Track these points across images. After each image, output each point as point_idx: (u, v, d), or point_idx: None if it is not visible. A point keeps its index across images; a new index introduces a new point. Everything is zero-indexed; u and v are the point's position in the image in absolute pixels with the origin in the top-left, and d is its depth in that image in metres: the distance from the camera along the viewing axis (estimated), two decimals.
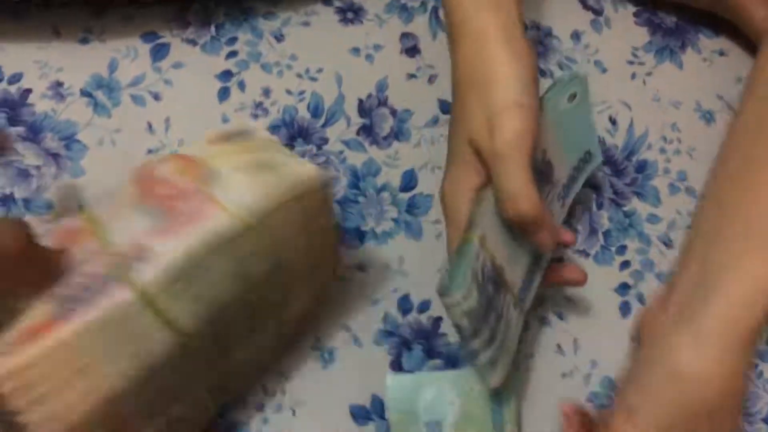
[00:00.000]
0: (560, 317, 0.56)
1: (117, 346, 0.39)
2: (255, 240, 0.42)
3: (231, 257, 0.41)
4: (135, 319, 0.39)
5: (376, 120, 0.60)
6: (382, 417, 0.52)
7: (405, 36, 0.63)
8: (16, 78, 0.57)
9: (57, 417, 0.40)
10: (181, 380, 0.44)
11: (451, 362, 0.54)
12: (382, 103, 0.60)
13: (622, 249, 0.58)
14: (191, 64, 0.59)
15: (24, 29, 0.59)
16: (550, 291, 0.56)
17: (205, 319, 0.42)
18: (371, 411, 0.52)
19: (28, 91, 0.57)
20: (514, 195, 0.44)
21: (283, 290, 0.47)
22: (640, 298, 0.57)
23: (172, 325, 0.40)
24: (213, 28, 0.61)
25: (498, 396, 0.51)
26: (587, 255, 0.58)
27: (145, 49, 0.59)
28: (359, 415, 0.52)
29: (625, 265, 0.58)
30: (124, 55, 0.59)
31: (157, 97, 0.58)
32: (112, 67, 0.59)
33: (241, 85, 0.59)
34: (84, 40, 0.59)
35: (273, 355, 0.52)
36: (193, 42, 0.60)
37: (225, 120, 0.58)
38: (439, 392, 0.52)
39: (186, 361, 0.42)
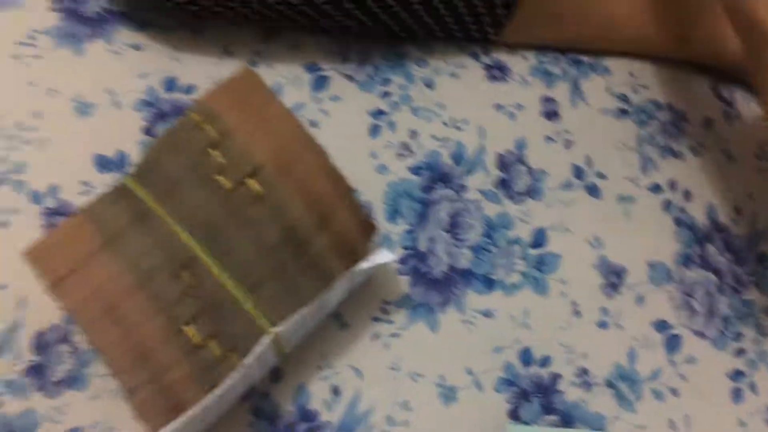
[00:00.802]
0: (674, 393, 0.58)
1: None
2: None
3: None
4: None
5: (513, 175, 0.63)
6: None
7: (546, 100, 0.66)
8: (190, 89, 0.61)
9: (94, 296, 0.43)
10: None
11: (567, 420, 0.56)
12: (520, 160, 0.63)
13: (738, 336, 0.60)
14: (348, 99, 0.63)
15: (200, 45, 0.62)
16: (666, 366, 0.58)
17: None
18: None
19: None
20: None
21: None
22: (753, 388, 0.58)
23: None
24: (370, 68, 0.64)
25: None
26: (704, 336, 0.60)
27: (306, 78, 0.63)
28: None
29: (741, 352, 0.60)
30: (288, 81, 0.62)
31: (314, 124, 0.61)
32: (277, 90, 0.62)
33: (392, 125, 0.62)
34: (252, 63, 0.62)
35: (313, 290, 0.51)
36: (351, 78, 0.64)
37: (373, 155, 0.61)
38: None
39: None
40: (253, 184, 0.48)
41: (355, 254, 0.50)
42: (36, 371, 0.52)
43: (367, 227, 0.50)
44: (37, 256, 0.45)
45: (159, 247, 0.46)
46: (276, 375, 0.54)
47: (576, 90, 0.67)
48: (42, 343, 0.53)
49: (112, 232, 0.46)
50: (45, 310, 0.53)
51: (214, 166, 0.48)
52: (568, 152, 0.64)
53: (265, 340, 0.47)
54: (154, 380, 0.44)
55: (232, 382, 0.46)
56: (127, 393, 0.44)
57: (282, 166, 0.48)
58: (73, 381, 0.52)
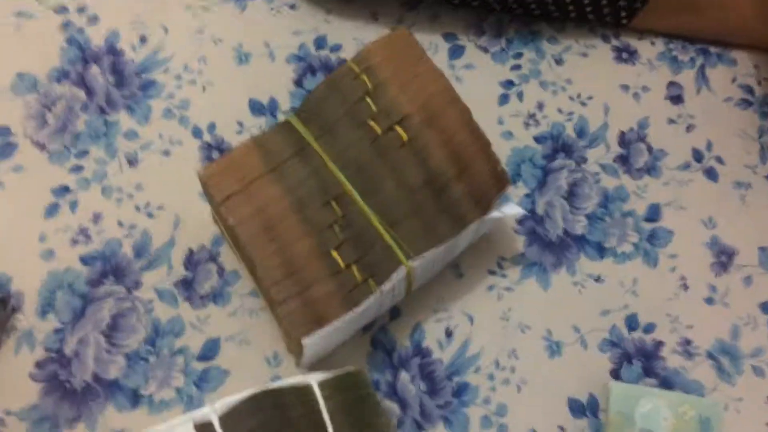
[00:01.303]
0: None
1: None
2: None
3: None
4: None
5: (634, 152, 0.65)
6: (595, 415, 0.57)
7: (672, 84, 0.68)
8: (336, 48, 0.66)
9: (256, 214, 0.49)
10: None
11: (666, 385, 0.58)
12: (641, 139, 0.66)
13: None
14: (481, 67, 0.67)
15: (349, 10, 0.68)
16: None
17: None
18: (587, 407, 0.57)
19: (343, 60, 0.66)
20: None
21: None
22: None
23: None
24: (504, 41, 0.68)
25: (707, 425, 0.55)
26: None
27: (444, 47, 0.67)
28: (576, 408, 0.57)
29: None
30: (426, 47, 0.66)
31: None
32: None
33: (520, 96, 0.66)
34: (395, 29, 0.67)
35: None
36: (485, 49, 0.68)
37: (501, 122, 0.65)
38: (655, 407, 0.56)
39: None
40: (401, 131, 0.52)
41: (488, 204, 0.54)
42: (185, 284, 0.58)
43: (502, 180, 0.54)
44: (209, 175, 0.51)
45: (314, 178, 0.52)
46: (395, 313, 0.59)
47: (702, 77, 0.69)
48: (192, 261, 0.59)
49: (276, 161, 0.52)
50: (197, 232, 0.59)
51: (367, 112, 0.53)
52: (689, 135, 0.66)
53: (402, 272, 0.51)
54: (302, 294, 0.50)
55: (368, 305, 0.51)
56: (277, 304, 0.49)
57: (428, 118, 0.53)
58: (216, 296, 0.58)
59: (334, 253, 0.51)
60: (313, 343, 0.49)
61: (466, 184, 0.53)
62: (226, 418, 0.48)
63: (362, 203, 0.52)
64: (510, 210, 0.55)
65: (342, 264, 0.51)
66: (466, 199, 0.53)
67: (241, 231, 0.50)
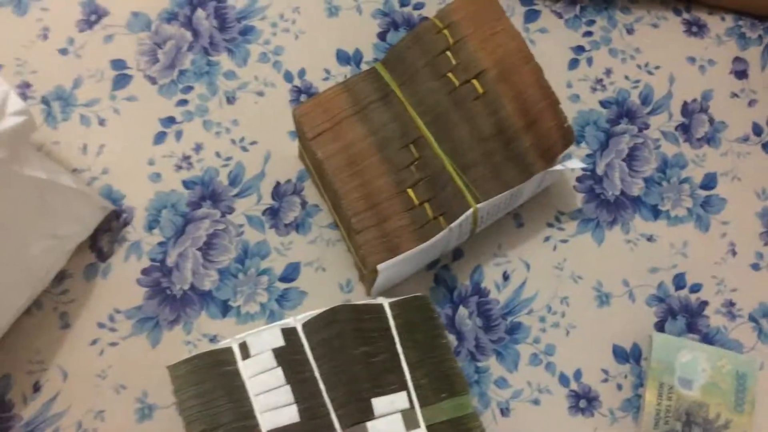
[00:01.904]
0: None
1: None
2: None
3: None
4: None
5: (695, 122, 0.68)
6: (637, 362, 0.62)
7: (737, 60, 0.71)
8: (419, 6, 0.71)
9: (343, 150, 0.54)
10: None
11: (707, 341, 0.62)
12: (704, 110, 0.69)
13: None
14: (554, 32, 0.70)
15: None
16: None
17: None
18: (630, 355, 0.62)
19: (425, 17, 0.71)
20: None
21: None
22: None
23: None
24: (578, 8, 0.71)
25: (743, 379, 0.59)
26: None
27: (521, 10, 0.71)
28: (620, 354, 0.62)
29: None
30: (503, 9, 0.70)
31: None
32: None
33: (589, 61, 0.70)
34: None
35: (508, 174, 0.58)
36: (559, 15, 0.71)
37: (569, 85, 0.69)
38: (695, 358, 0.60)
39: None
40: (477, 84, 0.57)
41: (553, 156, 0.58)
42: (271, 213, 0.64)
43: (567, 135, 0.58)
44: (303, 113, 0.57)
45: (396, 122, 0.57)
46: (458, 254, 0.64)
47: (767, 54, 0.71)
48: (279, 192, 0.65)
49: (362, 104, 0.57)
50: (284, 167, 0.65)
51: (447, 65, 0.58)
52: (751, 110, 0.69)
53: (469, 212, 0.56)
54: (379, 225, 0.55)
55: (437, 240, 0.56)
56: (355, 232, 0.55)
57: (502, 73, 0.57)
58: (298, 226, 0.64)
59: (410, 191, 0.56)
60: (386, 269, 0.55)
61: (534, 137, 0.58)
62: (308, 326, 0.54)
63: (437, 148, 0.57)
64: (572, 164, 0.59)
65: (416, 201, 0.56)
66: (532, 150, 0.57)
67: (329, 165, 0.56)
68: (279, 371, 0.52)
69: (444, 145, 0.57)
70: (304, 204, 0.65)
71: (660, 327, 0.63)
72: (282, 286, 0.62)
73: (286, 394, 0.51)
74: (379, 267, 0.55)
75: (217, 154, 0.65)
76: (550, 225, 0.66)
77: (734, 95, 0.70)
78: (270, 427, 0.50)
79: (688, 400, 0.59)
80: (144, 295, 0.61)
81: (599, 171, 0.67)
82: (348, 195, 0.56)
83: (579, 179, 0.67)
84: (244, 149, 0.65)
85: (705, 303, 0.64)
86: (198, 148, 0.65)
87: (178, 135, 0.65)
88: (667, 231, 0.66)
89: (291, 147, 0.66)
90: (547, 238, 0.65)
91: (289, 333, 0.54)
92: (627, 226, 0.66)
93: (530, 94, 0.58)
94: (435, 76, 0.58)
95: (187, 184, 0.64)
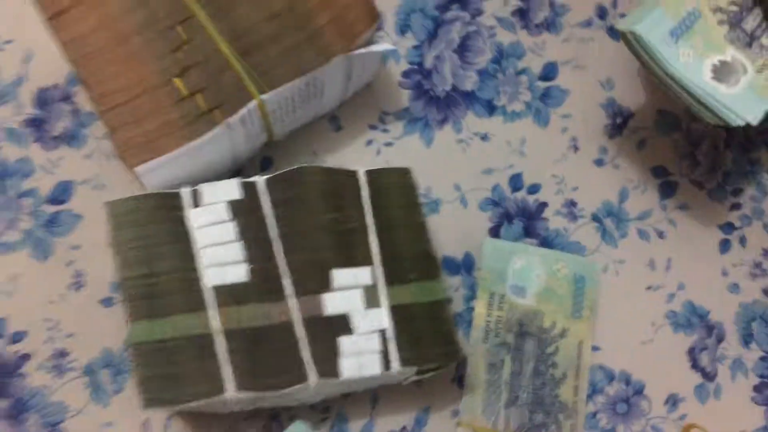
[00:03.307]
0: (660, 235, 0.57)
1: None
2: None
3: None
4: None
5: (533, 6, 0.61)
6: (469, 272, 0.55)
7: None
8: None
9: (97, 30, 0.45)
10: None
11: (546, 245, 0.56)
12: None
13: (737, 191, 0.59)
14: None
15: None
16: (657, 210, 0.58)
17: None
18: (461, 265, 0.55)
19: None
20: None
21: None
22: (742, 241, 0.58)
23: None
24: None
25: (581, 283, 0.53)
26: (702, 187, 0.59)
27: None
28: (450, 266, 0.55)
29: (736, 207, 0.58)
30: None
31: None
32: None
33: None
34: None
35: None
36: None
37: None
38: (528, 264, 0.54)
39: None
40: None
41: (355, 36, 0.50)
42: (36, 124, 0.54)
43: (371, 12, 0.50)
44: None
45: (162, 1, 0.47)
46: (266, 164, 0.55)
47: None
48: (44, 99, 0.54)
49: None
50: (49, 68, 0.54)
51: None
52: None
53: (252, 104, 0.47)
54: (141, 120, 0.45)
55: (214, 138, 0.47)
56: (112, 131, 0.45)
57: None
58: (70, 138, 0.54)
59: (177, 81, 0.46)
60: (148, 173, 0.45)
61: (332, 13, 0.48)
62: (271, 183, 0.48)
63: (211, 27, 0.47)
64: (378, 47, 0.51)
65: (185, 91, 0.46)
66: (330, 29, 0.48)
67: (72, 51, 0.45)
68: (231, 225, 0.46)
69: (221, 25, 0.47)
70: (76, 111, 0.54)
71: (495, 233, 0.56)
72: (50, 209, 0.52)
73: (236, 250, 0.46)
74: (137, 170, 0.45)
75: None
76: (373, 127, 0.57)
77: None
78: (214, 282, 0.45)
79: (521, 309, 0.52)
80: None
81: (428, 64, 0.59)
82: (99, 86, 0.45)
83: (405, 74, 0.58)
84: None
85: (544, 204, 0.57)
86: None
87: None
88: (503, 128, 0.58)
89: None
90: (369, 142, 0.57)
91: (248, 187, 0.47)
92: (459, 124, 0.58)
93: None
94: None
95: None
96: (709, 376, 0.55)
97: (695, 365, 0.55)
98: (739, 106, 0.48)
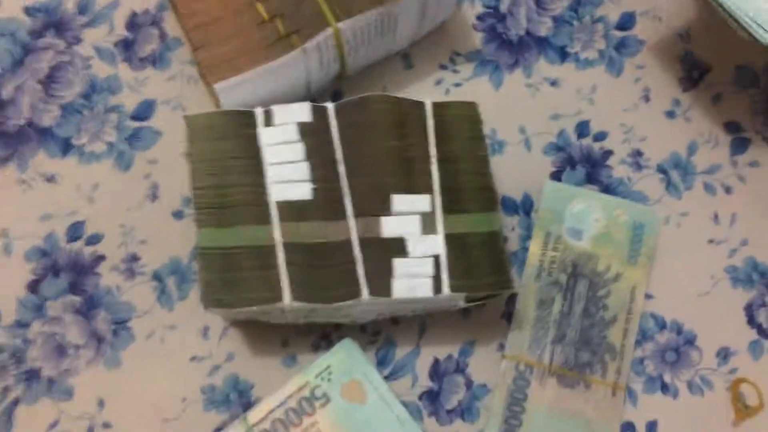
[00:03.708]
0: (727, 191, 0.56)
1: None
2: None
3: None
4: None
5: None
6: (527, 214, 0.55)
7: None
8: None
9: None
10: None
11: (608, 192, 0.56)
12: None
13: None
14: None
15: None
16: (731, 161, 0.57)
17: None
18: (519, 206, 0.55)
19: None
20: None
21: None
22: None
23: None
24: None
25: (639, 230, 0.53)
26: None
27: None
28: (509, 205, 0.55)
29: None
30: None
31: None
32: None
33: None
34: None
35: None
36: None
37: None
38: (588, 207, 0.54)
39: None
40: None
41: None
42: (125, 45, 0.57)
43: None
44: None
45: None
46: (337, 96, 0.57)
47: None
48: (134, 23, 0.58)
49: None
50: None
51: None
52: None
53: (328, 31, 0.49)
54: (224, 41, 0.48)
55: (288, 60, 0.49)
56: (196, 49, 0.48)
57: None
58: (156, 60, 0.57)
59: (259, 5, 0.49)
60: (226, 90, 0.48)
61: None
62: (340, 108, 0.50)
63: None
64: None
65: (266, 16, 0.49)
66: None
67: None
68: (300, 146, 0.49)
69: None
70: (163, 36, 0.57)
71: (557, 177, 0.56)
72: (134, 124, 0.56)
73: (302, 170, 0.49)
74: (216, 86, 0.48)
75: None
76: (443, 67, 0.58)
77: None
78: (279, 198, 0.48)
79: (576, 251, 0.53)
80: None
81: (503, 8, 0.59)
82: (187, 6, 0.48)
83: (480, 17, 0.59)
84: None
85: (609, 152, 0.57)
86: None
87: None
88: (575, 75, 0.58)
89: None
90: (439, 81, 0.58)
91: (318, 110, 0.50)
92: (530, 69, 0.58)
93: None
94: None
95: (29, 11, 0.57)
96: (765, 332, 0.54)
97: (751, 321, 0.54)
98: None
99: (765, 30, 0.48)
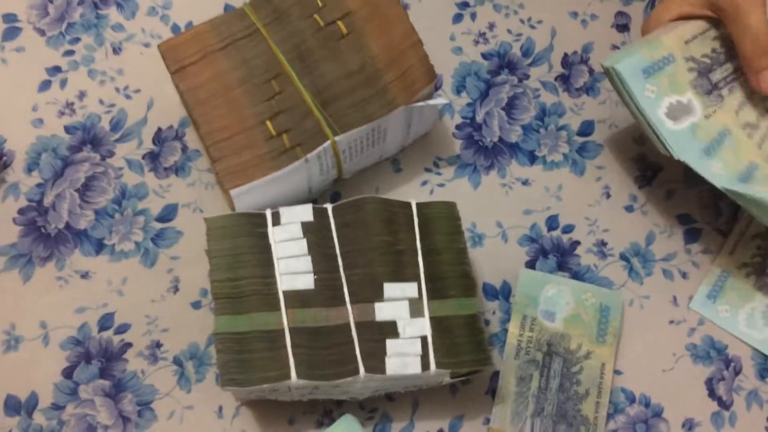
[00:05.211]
0: (683, 276, 0.63)
1: None
2: None
3: None
4: None
5: (574, 73, 0.70)
6: (506, 299, 0.62)
7: (620, 14, 0.72)
8: None
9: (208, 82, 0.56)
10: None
11: (577, 278, 0.63)
12: (584, 61, 0.70)
13: (755, 237, 0.64)
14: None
15: None
16: (681, 253, 0.64)
17: None
18: (499, 291, 0.62)
19: None
20: (756, 31, 0.55)
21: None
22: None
23: None
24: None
25: (606, 312, 0.60)
26: (724, 235, 0.65)
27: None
28: (489, 291, 0.62)
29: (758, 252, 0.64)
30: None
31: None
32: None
33: (473, 16, 0.71)
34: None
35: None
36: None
37: (452, 38, 0.70)
38: (559, 292, 0.61)
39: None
40: (341, 25, 0.59)
41: (415, 92, 0.60)
42: (152, 157, 0.66)
43: (429, 73, 0.60)
44: (168, 47, 0.58)
45: (259, 58, 0.58)
46: (335, 197, 0.65)
47: (649, 9, 0.72)
48: (160, 137, 0.66)
49: (227, 41, 0.59)
50: (166, 113, 0.67)
51: (314, 6, 0.59)
52: None
53: (326, 143, 0.57)
54: (237, 153, 0.56)
55: (294, 169, 0.57)
56: (214, 161, 0.56)
57: (368, 15, 0.59)
58: (178, 169, 0.65)
59: (269, 123, 0.57)
60: (240, 195, 0.56)
61: (396, 74, 0.59)
62: (337, 209, 0.58)
63: (298, 83, 0.58)
64: (435, 101, 0.61)
65: (274, 132, 0.57)
66: (395, 86, 0.59)
67: (189, 97, 0.57)
68: (304, 242, 0.56)
69: (306, 80, 0.58)
70: (184, 149, 0.66)
71: (531, 265, 0.63)
72: (158, 225, 0.63)
73: (306, 262, 0.56)
74: (232, 192, 0.56)
75: (101, 102, 0.67)
76: (428, 170, 0.67)
77: (615, 47, 0.71)
78: (286, 288, 0.55)
79: (550, 331, 0.59)
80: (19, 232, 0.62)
81: (479, 119, 0.68)
82: (207, 125, 0.57)
83: (458, 127, 0.68)
84: (128, 97, 0.67)
85: (577, 243, 0.64)
86: (81, 95, 0.66)
87: (63, 83, 0.67)
88: (543, 175, 0.67)
89: (175, 96, 0.67)
90: (424, 182, 0.66)
91: (319, 211, 0.57)
92: (503, 170, 0.67)
93: (394, 33, 0.59)
94: (302, 17, 0.59)
95: (68, 129, 0.65)
96: (725, 404, 0.60)
97: (712, 394, 0.60)
98: (676, 142, 0.56)
99: (672, 148, 0.57)
